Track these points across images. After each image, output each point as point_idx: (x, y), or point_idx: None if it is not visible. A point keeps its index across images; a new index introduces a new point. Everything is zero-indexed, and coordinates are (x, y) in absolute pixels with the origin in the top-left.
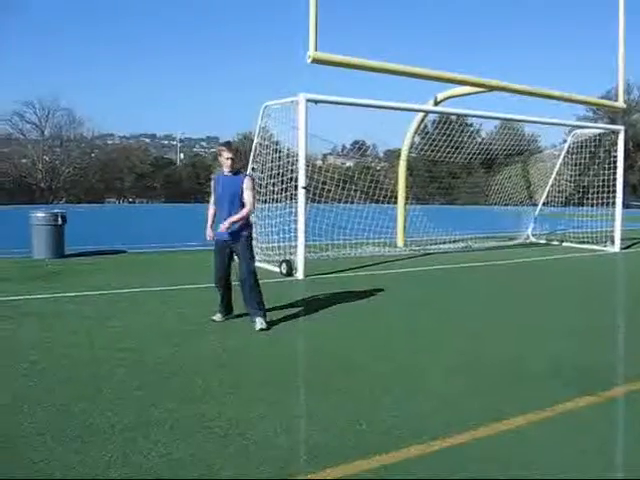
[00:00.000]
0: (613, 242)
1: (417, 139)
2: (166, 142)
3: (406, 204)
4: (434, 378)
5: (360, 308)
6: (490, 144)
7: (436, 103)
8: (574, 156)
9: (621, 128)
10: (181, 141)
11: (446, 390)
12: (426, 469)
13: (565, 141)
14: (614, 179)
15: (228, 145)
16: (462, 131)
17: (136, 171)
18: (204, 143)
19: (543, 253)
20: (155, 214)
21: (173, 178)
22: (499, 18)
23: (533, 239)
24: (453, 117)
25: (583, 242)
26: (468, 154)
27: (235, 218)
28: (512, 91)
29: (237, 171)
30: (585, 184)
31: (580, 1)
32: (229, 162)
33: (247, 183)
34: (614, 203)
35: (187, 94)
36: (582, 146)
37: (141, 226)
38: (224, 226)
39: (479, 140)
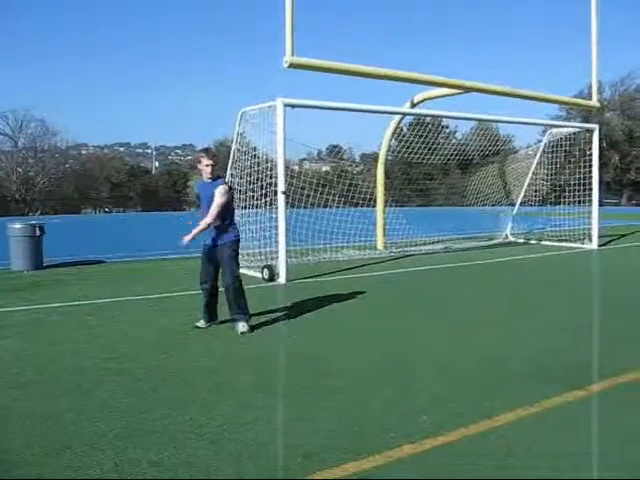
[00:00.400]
0: (591, 239)
1: (393, 142)
2: (140, 150)
3: (385, 207)
4: (422, 378)
5: (343, 311)
6: (466, 145)
7: (413, 105)
8: (549, 155)
9: (596, 127)
10: (156, 149)
11: (434, 389)
12: (420, 467)
13: (540, 141)
14: (589, 177)
15: (207, 152)
16: (438, 133)
17: (112, 180)
18: (179, 151)
19: (522, 252)
20: (133, 223)
21: (149, 187)
22: (476, 18)
23: (512, 238)
24: (428, 119)
25: (561, 240)
26: (444, 156)
27: (196, 231)
28: (488, 92)
29: (217, 177)
30: (561, 183)
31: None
32: (209, 169)
33: (218, 190)
34: (590, 201)
35: (161, 101)
36: (557, 145)
37: (119, 235)
38: (187, 238)
39: (455, 142)
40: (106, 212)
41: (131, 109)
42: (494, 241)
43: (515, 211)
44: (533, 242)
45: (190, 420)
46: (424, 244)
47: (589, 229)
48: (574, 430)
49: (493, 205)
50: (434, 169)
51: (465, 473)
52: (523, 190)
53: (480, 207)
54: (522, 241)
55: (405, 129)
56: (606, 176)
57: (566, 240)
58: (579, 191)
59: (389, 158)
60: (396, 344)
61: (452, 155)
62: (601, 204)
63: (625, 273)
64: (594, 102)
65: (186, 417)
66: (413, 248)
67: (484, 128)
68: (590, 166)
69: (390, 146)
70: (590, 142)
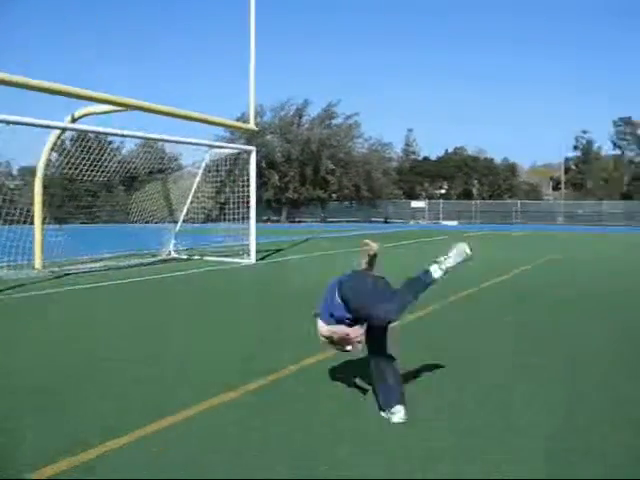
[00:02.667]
0: (249, 254)
1: (55, 156)
2: None
3: (44, 224)
4: (118, 380)
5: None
6: (131, 162)
7: (74, 120)
8: (212, 174)
9: (253, 148)
10: None
11: (131, 389)
12: (120, 463)
13: (203, 160)
14: (249, 196)
15: None
16: (102, 149)
17: None
18: None
19: (184, 267)
20: None
21: None
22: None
23: (175, 255)
24: (92, 134)
25: (222, 255)
26: (108, 172)
27: None
28: (152, 111)
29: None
30: (223, 201)
31: (214, 25)
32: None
33: None
34: (249, 218)
35: None
36: (220, 165)
37: None
38: None
39: (119, 158)
40: None
41: None
42: (158, 257)
43: (178, 228)
44: (196, 258)
45: None
46: (85, 262)
47: (248, 244)
48: (251, 415)
49: (157, 222)
50: (98, 186)
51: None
52: (186, 207)
53: (144, 224)
54: (185, 257)
55: (68, 143)
56: (266, 194)
57: (227, 255)
58: (240, 208)
59: (48, 173)
60: (72, 356)
61: (116, 172)
62: (263, 221)
63: (275, 283)
64: (252, 126)
65: None
66: (75, 267)
67: (150, 146)
68: (249, 185)
69: (50, 160)
70: (249, 162)
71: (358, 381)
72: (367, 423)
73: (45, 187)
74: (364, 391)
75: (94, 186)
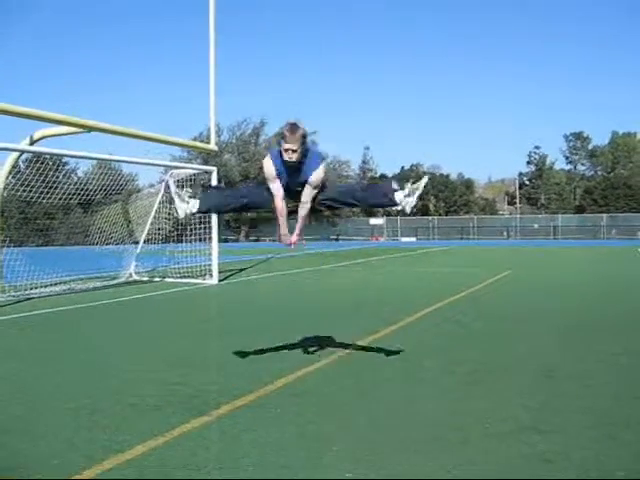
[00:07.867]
0: (212, 275)
1: (10, 179)
2: None
3: (2, 247)
4: (54, 420)
5: None
6: (88, 183)
7: (32, 142)
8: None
9: (214, 169)
10: None
11: (66, 431)
12: None
13: (162, 180)
14: (210, 215)
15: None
16: (57, 170)
17: None
18: None
19: (146, 290)
20: None
21: None
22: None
23: (136, 277)
24: (47, 156)
25: (184, 277)
26: (64, 194)
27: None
28: (110, 132)
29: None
30: (183, 221)
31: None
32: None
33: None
34: (210, 238)
35: None
36: (179, 185)
37: None
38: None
39: (76, 179)
40: None
41: None
42: (118, 280)
43: (139, 249)
44: (157, 280)
45: None
46: (46, 286)
47: (210, 265)
48: (204, 453)
49: (117, 244)
50: (54, 207)
51: None
52: (146, 228)
53: (103, 246)
54: (146, 279)
55: (22, 165)
56: (225, 214)
57: (189, 276)
58: (200, 229)
59: (5, 195)
60: (26, 389)
61: (73, 194)
62: (222, 240)
63: (240, 304)
64: (212, 146)
65: None
66: (35, 290)
67: (106, 167)
68: None
69: (8, 184)
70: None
71: None
72: None
73: (2, 211)
74: None
75: (50, 208)
